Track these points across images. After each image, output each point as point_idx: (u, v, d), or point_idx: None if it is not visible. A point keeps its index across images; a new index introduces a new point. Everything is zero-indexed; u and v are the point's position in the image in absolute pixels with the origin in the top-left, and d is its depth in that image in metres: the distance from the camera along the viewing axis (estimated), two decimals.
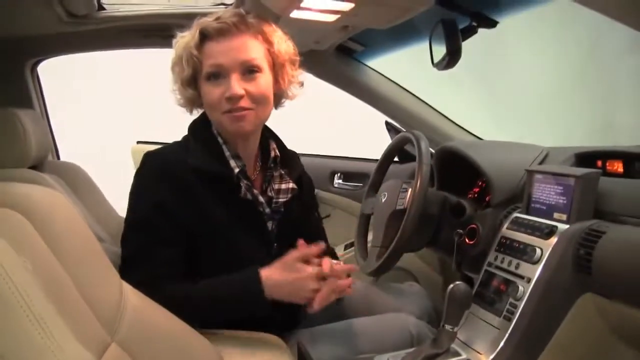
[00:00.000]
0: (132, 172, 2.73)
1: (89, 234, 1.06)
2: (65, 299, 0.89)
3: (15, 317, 0.76)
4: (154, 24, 2.08)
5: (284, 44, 1.51)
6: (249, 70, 1.44)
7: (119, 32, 2.11)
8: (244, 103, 1.43)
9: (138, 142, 2.83)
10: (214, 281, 1.41)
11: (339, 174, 2.78)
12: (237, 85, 1.41)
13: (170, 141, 1.55)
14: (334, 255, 1.69)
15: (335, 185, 2.77)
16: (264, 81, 1.46)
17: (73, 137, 2.86)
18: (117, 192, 2.19)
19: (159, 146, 1.52)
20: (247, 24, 1.44)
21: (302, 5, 1.47)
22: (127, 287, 1.13)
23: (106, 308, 1.00)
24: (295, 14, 1.58)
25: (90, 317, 0.94)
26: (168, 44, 1.54)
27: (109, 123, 4.21)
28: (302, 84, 1.59)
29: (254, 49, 1.44)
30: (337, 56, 2.41)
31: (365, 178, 2.65)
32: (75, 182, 2.01)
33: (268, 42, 1.47)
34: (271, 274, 1.40)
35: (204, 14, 1.49)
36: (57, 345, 0.78)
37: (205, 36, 1.44)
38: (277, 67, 1.50)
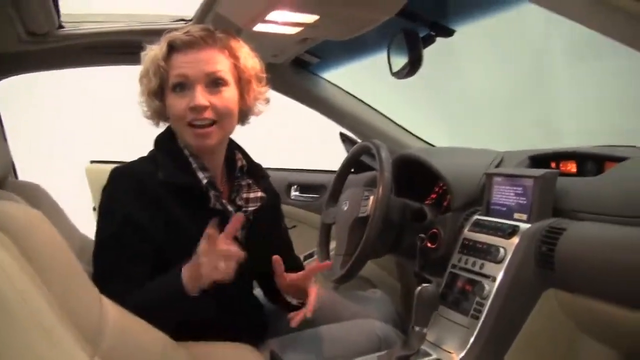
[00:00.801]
0: (87, 190, 2.71)
1: (68, 249, 1.06)
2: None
3: (22, 328, 0.77)
4: (115, 41, 2.07)
5: (250, 60, 1.52)
6: (214, 83, 1.45)
7: (79, 50, 2.09)
8: (208, 115, 1.44)
9: (92, 162, 2.78)
10: (147, 285, 1.36)
11: (295, 186, 2.77)
12: (202, 97, 1.42)
13: (125, 160, 1.53)
14: (301, 267, 1.71)
15: (292, 198, 2.76)
16: (229, 95, 1.47)
17: (27, 155, 2.79)
18: (72, 211, 2.16)
19: (114, 164, 1.50)
20: (215, 38, 1.46)
21: (266, 18, 1.49)
22: (106, 300, 1.12)
23: (89, 322, 1.00)
24: (258, 27, 1.60)
25: (75, 333, 0.93)
26: (129, 61, 1.55)
27: (61, 142, 4.12)
28: (268, 101, 1.61)
29: (220, 62, 1.46)
30: (293, 69, 2.43)
31: (321, 189, 2.67)
32: (37, 201, 1.96)
33: (234, 57, 1.49)
34: (187, 265, 1.33)
35: (164, 30, 1.50)
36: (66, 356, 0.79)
37: (173, 48, 1.45)
38: (243, 83, 1.51)
